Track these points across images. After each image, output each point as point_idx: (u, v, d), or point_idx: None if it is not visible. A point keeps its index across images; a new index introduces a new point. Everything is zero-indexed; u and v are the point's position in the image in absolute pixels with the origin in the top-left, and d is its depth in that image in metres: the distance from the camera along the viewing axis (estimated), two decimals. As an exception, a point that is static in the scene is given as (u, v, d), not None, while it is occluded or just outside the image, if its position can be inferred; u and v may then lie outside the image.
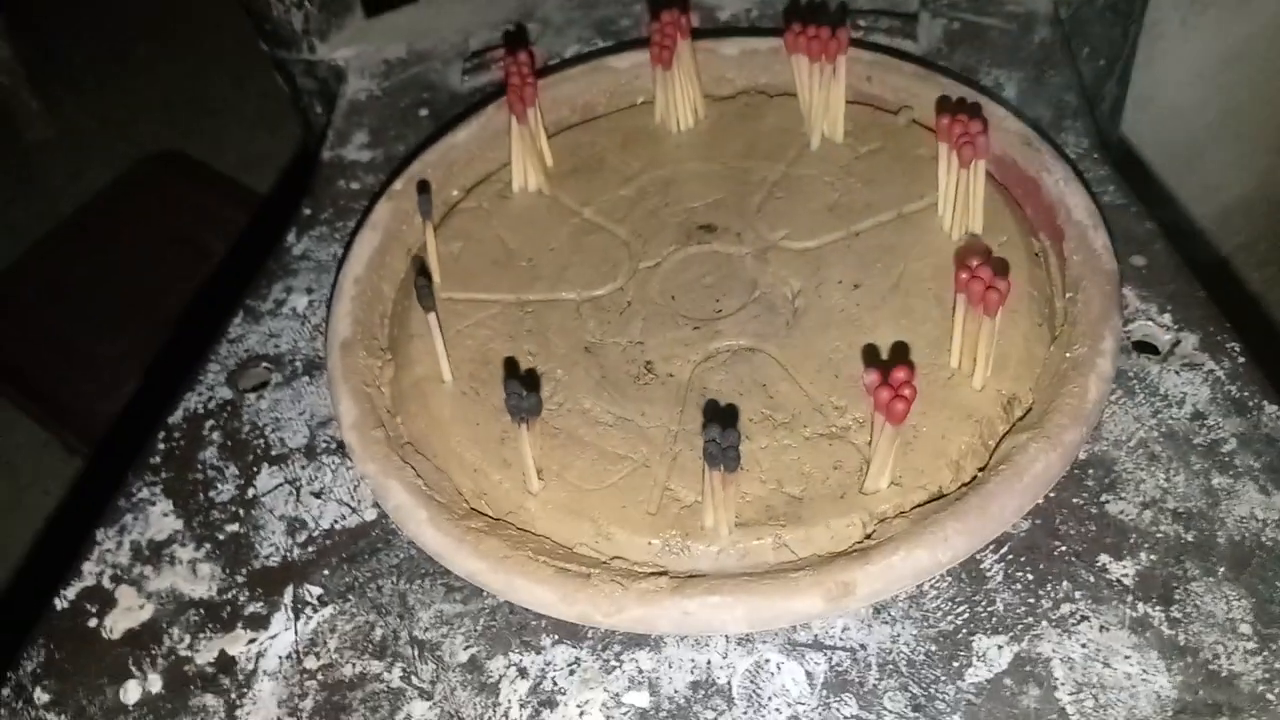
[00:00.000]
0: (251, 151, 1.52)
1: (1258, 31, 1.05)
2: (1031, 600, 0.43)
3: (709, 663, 0.43)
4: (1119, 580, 0.44)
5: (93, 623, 0.47)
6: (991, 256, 0.50)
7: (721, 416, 0.47)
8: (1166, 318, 0.52)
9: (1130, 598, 0.43)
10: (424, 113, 0.69)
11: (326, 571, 0.48)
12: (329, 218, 0.63)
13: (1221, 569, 0.44)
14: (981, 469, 0.45)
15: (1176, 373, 0.50)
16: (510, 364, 0.51)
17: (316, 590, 0.47)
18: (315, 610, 0.47)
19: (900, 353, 0.49)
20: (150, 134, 1.60)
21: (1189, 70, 1.09)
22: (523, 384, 0.43)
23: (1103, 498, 0.46)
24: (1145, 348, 0.51)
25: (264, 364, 0.56)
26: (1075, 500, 0.46)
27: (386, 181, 0.61)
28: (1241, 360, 0.50)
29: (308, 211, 0.64)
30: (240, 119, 1.62)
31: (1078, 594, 0.43)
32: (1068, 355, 0.47)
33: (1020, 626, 0.43)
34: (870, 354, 0.49)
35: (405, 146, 0.66)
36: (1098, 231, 0.51)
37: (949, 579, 0.44)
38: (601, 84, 0.63)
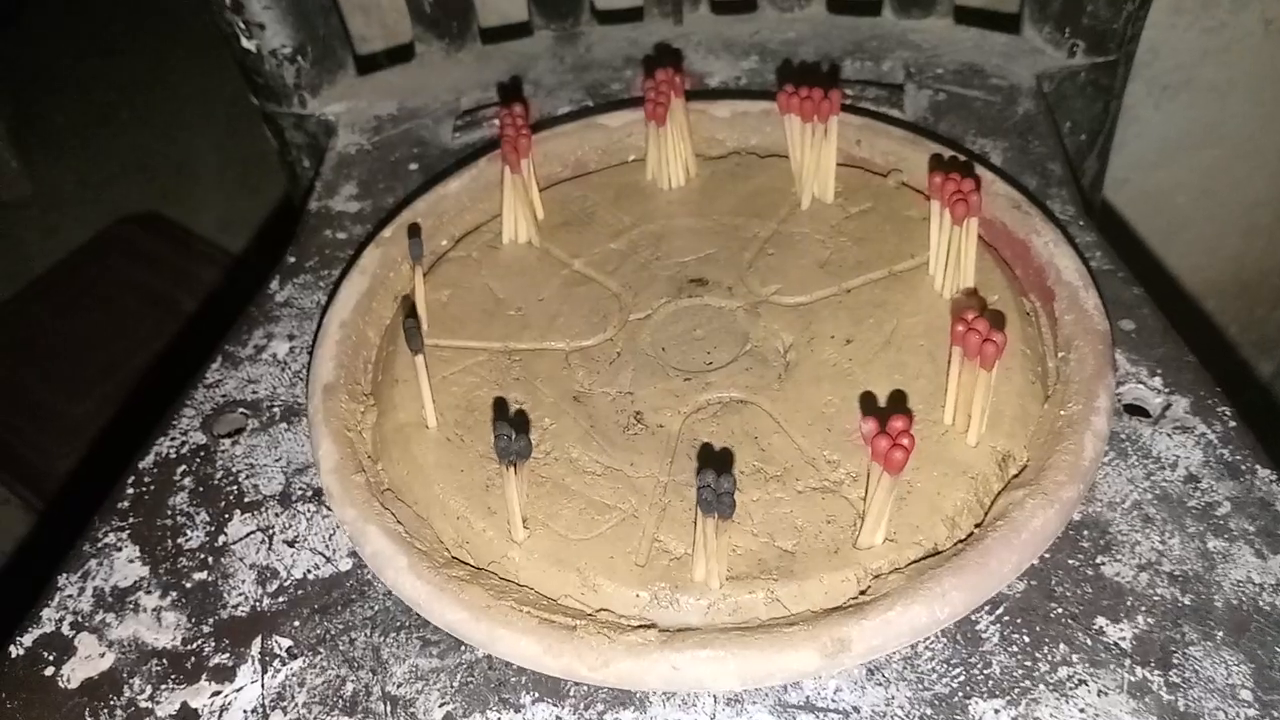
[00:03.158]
0: (231, 214, 1.51)
1: (1228, 116, 1.08)
2: (1029, 663, 0.42)
3: (697, 724, 0.41)
4: (1116, 643, 0.43)
5: (49, 671, 0.45)
6: (987, 309, 0.50)
7: (715, 464, 0.46)
8: (1157, 381, 0.52)
9: (1128, 661, 0.42)
10: (414, 167, 0.69)
11: (297, 623, 0.46)
12: (314, 266, 0.62)
13: (1220, 633, 0.43)
14: (977, 526, 0.44)
15: (1169, 435, 0.50)
16: (499, 408, 0.50)
17: (286, 642, 0.45)
18: (284, 663, 0.45)
19: (895, 404, 0.48)
20: (128, 195, 1.60)
21: (1161, 153, 1.12)
22: (512, 426, 0.42)
23: (1098, 559, 0.45)
24: (1136, 410, 0.51)
25: (241, 409, 0.55)
26: (1071, 561, 0.45)
27: (376, 229, 0.60)
28: (1233, 424, 0.50)
29: (292, 259, 0.63)
30: (220, 183, 1.62)
31: (1075, 657, 0.42)
32: (1062, 413, 0.47)
33: (1017, 690, 0.41)
34: (865, 405, 0.49)
35: (394, 198, 0.66)
36: (1089, 292, 0.51)
37: (944, 640, 0.43)
38: (594, 141, 0.64)
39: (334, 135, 0.72)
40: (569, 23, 0.79)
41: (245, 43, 0.70)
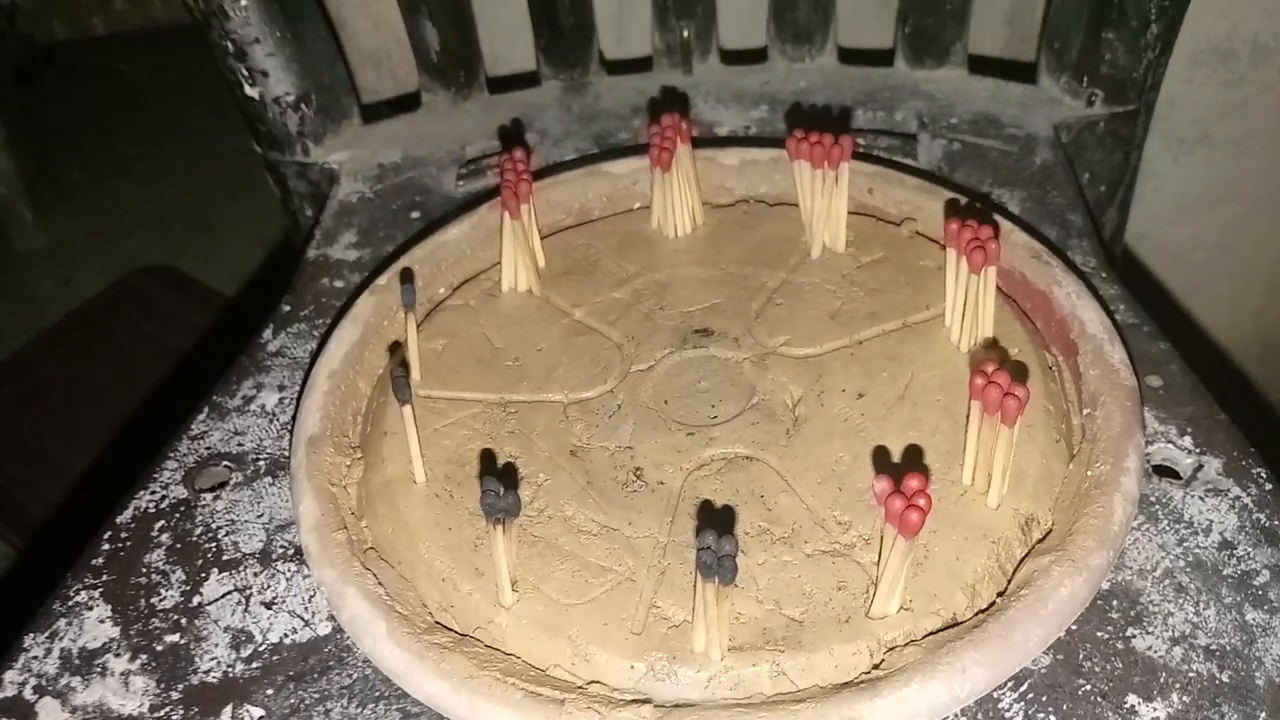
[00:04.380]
0: (244, 267, 1.51)
1: (1247, 172, 1.06)
2: (1056, 745, 0.39)
3: (696, 809, 0.38)
4: (1151, 724, 0.39)
5: (5, 739, 0.42)
6: (1008, 361, 0.48)
7: (717, 524, 0.43)
8: (1187, 440, 0.49)
9: (1165, 744, 0.39)
10: (415, 215, 0.67)
11: (270, 690, 0.43)
12: (309, 314, 0.60)
13: (1262, 715, 0.39)
14: (1000, 594, 0.41)
15: (1201, 498, 0.47)
16: (488, 462, 0.47)
17: (257, 711, 0.42)
18: (255, 734, 0.42)
19: (911, 462, 0.46)
20: (143, 247, 1.59)
21: (1179, 208, 1.10)
22: (500, 481, 0.39)
23: (1129, 632, 0.42)
24: (1166, 472, 0.48)
25: (225, 463, 0.52)
26: (1099, 634, 0.42)
27: (371, 276, 0.58)
28: (1269, 487, 0.47)
29: (287, 308, 0.61)
30: (235, 235, 1.62)
31: (1106, 739, 0.39)
32: (1089, 474, 0.44)
33: (1045, 775, 0.38)
34: (879, 463, 0.46)
35: (394, 246, 0.64)
36: (1114, 346, 0.48)
37: (964, 719, 0.40)
38: (598, 188, 0.62)
39: (336, 183, 0.71)
40: (577, 72, 0.78)
41: (248, 90, 0.69)
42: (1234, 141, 1.04)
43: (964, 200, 0.57)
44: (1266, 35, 0.96)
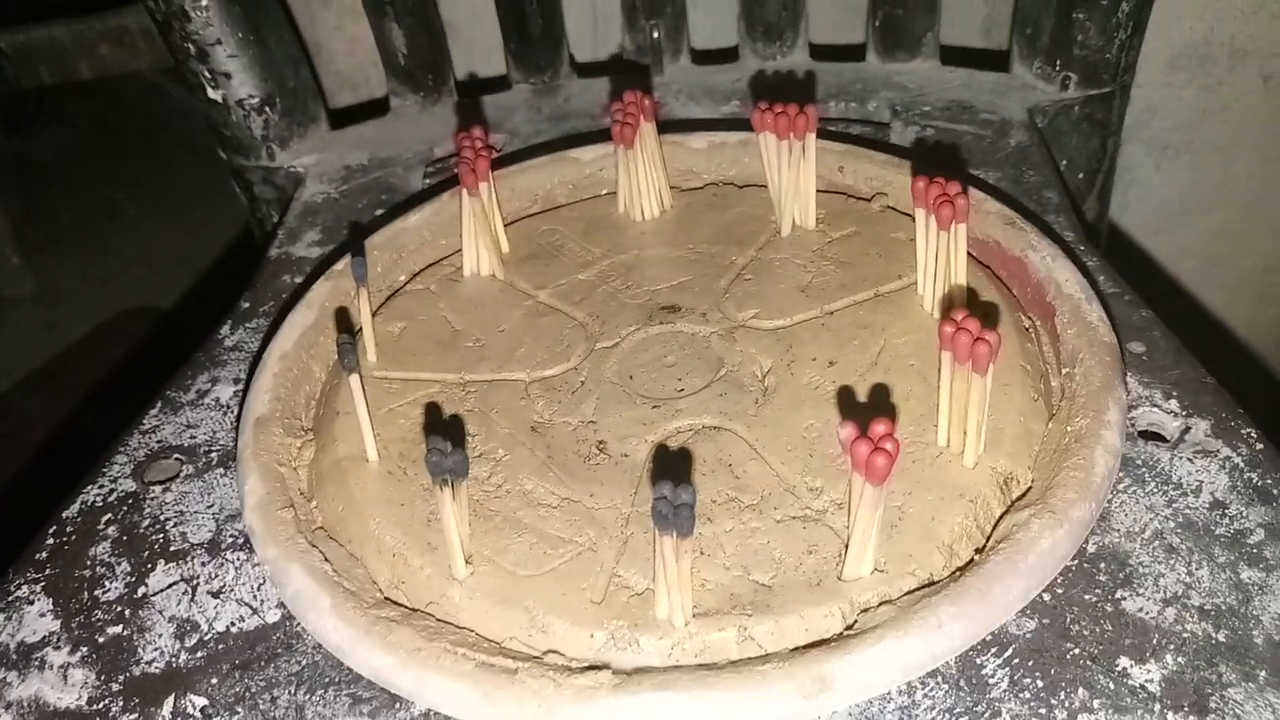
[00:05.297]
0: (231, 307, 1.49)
1: (1232, 177, 1.05)
2: (1043, 710, 0.36)
3: (659, 785, 0.35)
4: (1143, 686, 0.37)
5: (-69, 736, 0.40)
6: (979, 305, 0.46)
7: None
8: (1173, 404, 0.47)
9: (1158, 707, 0.36)
10: (380, 213, 0.66)
11: (215, 680, 0.41)
12: (268, 310, 0.59)
13: (1262, 673, 0.37)
14: (978, 552, 0.39)
15: (1189, 460, 0.45)
16: (441, 431, 0.45)
17: (200, 701, 0.40)
18: (196, 724, 0.39)
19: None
20: (130, 290, 1.58)
21: (1164, 217, 1.08)
22: (448, 441, 0.37)
23: (1118, 594, 0.40)
24: (1152, 437, 0.46)
25: (176, 455, 0.50)
26: (1087, 597, 0.40)
27: (328, 262, 0.57)
28: (1260, 446, 0.45)
29: (246, 305, 0.60)
30: (224, 277, 1.61)
31: (1096, 703, 0.37)
32: (1069, 429, 0.42)
33: (1032, 742, 0.36)
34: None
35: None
36: (1092, 304, 0.47)
37: (945, 685, 0.37)
38: (564, 175, 0.61)
39: (302, 185, 0.70)
40: (547, 76, 0.77)
41: (211, 93, 0.68)
42: (1217, 147, 1.03)
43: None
44: (1243, 38, 0.96)
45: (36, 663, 0.42)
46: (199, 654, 0.42)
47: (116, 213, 1.78)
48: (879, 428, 0.35)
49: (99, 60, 1.70)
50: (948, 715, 0.36)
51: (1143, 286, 0.54)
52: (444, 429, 0.46)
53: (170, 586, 0.45)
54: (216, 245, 1.65)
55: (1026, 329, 0.48)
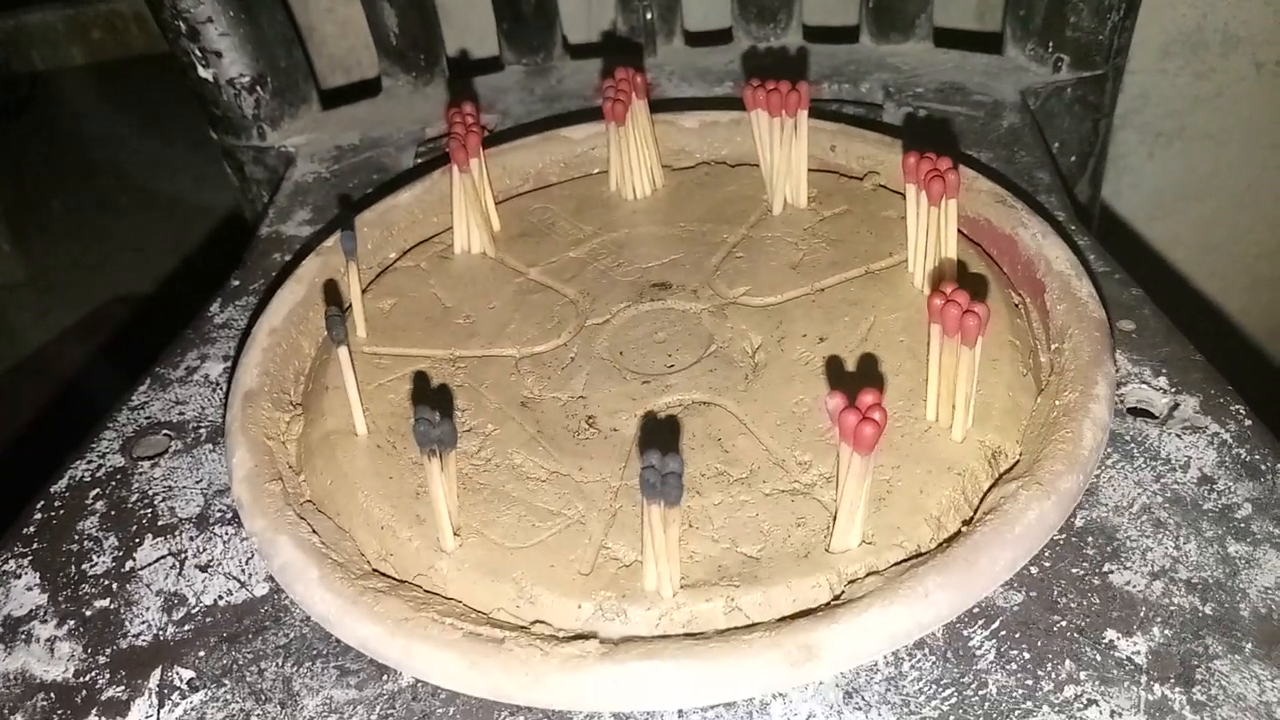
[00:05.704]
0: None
1: (1224, 164, 1.05)
2: (1030, 682, 0.37)
3: (644, 757, 0.35)
4: (1130, 659, 0.37)
5: (-84, 707, 0.40)
6: (969, 278, 0.46)
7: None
8: (1162, 381, 0.47)
9: (1144, 678, 0.36)
10: (371, 192, 0.66)
11: (202, 653, 0.41)
12: (258, 289, 0.59)
13: (1248, 645, 0.37)
14: (965, 524, 0.39)
15: (1178, 436, 0.45)
16: (429, 402, 0.45)
17: (188, 673, 0.40)
18: (184, 696, 0.39)
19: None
20: (123, 277, 1.58)
21: (1157, 204, 1.08)
22: (436, 411, 0.37)
23: (1105, 567, 0.40)
24: (1141, 413, 0.46)
25: (165, 431, 0.50)
26: (1074, 570, 0.40)
27: (318, 240, 0.57)
28: (1249, 423, 0.45)
29: (235, 283, 0.60)
30: (218, 264, 1.60)
31: (1083, 674, 0.37)
32: (1058, 403, 0.42)
33: (1017, 713, 0.36)
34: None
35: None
36: (1081, 280, 0.47)
37: (932, 657, 0.37)
38: (556, 153, 0.61)
39: (293, 165, 0.70)
40: (540, 57, 0.77)
41: (202, 71, 0.68)
42: (1210, 134, 1.03)
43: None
44: (1236, 24, 0.95)
45: (23, 636, 0.42)
46: (186, 627, 0.42)
47: (108, 200, 1.77)
48: (867, 398, 0.35)
49: (91, 45, 1.69)
50: (935, 686, 0.37)
51: (1135, 273, 0.54)
52: (433, 403, 0.46)
53: (158, 560, 0.45)
54: (207, 233, 1.64)
55: (1016, 305, 0.48)
